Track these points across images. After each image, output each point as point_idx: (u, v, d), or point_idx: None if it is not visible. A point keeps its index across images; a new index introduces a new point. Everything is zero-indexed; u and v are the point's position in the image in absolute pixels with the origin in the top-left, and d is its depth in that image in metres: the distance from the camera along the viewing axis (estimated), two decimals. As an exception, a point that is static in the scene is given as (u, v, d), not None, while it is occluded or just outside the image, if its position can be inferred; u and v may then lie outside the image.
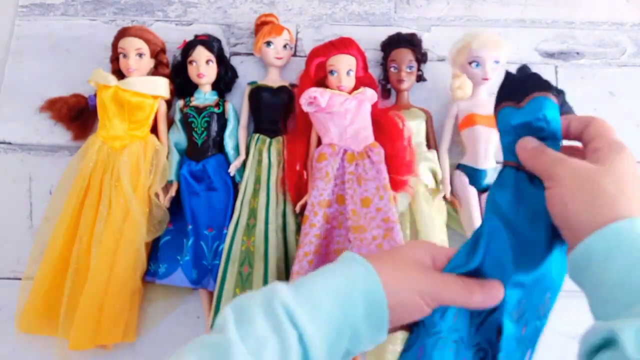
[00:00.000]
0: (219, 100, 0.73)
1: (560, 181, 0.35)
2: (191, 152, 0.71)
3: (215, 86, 0.75)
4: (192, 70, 0.72)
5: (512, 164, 0.52)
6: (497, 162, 0.70)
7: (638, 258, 0.30)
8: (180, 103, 0.73)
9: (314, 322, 0.33)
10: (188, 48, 0.73)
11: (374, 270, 0.35)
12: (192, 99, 0.73)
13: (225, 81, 0.75)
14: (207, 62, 0.72)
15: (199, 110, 0.72)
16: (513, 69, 0.86)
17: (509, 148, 0.57)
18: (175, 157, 0.72)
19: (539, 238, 0.52)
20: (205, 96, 0.73)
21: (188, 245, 0.67)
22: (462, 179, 0.70)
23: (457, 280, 0.37)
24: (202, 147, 0.71)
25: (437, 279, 0.37)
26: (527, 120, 0.53)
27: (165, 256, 0.68)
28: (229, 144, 0.72)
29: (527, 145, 0.40)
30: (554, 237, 0.49)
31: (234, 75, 0.77)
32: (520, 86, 0.57)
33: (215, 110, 0.72)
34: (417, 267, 0.37)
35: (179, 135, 0.73)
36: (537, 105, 0.52)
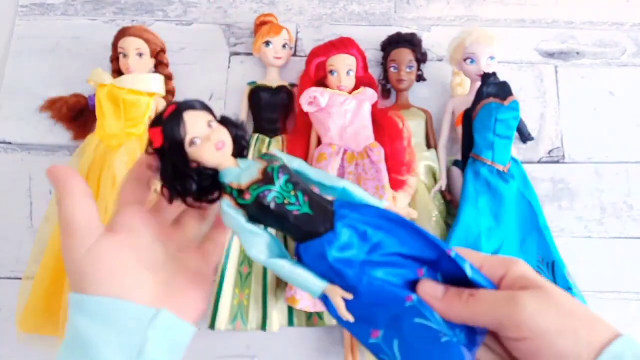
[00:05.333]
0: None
1: (535, 326, 0.25)
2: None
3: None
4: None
5: (485, 160, 0.66)
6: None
7: None
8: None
9: None
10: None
11: None
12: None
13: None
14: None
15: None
16: (514, 69, 0.87)
17: (485, 143, 0.70)
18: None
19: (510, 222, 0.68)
20: None
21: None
22: (459, 174, 0.70)
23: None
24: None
25: None
26: (509, 116, 0.66)
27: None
28: None
29: (437, 294, 0.29)
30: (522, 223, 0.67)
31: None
32: (502, 87, 0.67)
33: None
34: None
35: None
36: (516, 106, 0.66)
